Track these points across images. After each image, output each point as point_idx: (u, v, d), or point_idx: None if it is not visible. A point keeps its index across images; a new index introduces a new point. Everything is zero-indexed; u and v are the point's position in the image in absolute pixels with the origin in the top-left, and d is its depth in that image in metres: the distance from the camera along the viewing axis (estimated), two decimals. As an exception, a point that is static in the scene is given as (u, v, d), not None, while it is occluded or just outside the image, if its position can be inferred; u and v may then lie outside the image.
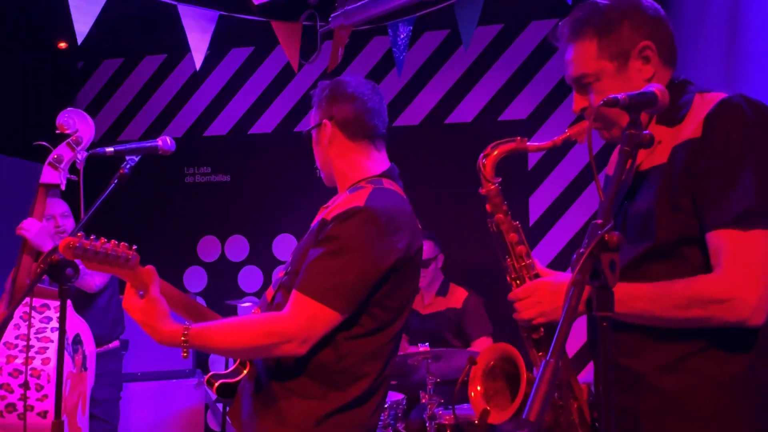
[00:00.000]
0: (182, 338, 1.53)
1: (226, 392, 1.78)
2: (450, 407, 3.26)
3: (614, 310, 1.22)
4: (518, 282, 1.54)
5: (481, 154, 1.57)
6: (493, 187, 1.57)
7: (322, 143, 1.82)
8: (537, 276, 1.53)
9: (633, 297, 1.30)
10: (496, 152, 1.57)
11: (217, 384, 1.77)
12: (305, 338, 1.56)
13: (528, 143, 1.55)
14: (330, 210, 1.68)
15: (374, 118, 1.83)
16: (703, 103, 1.35)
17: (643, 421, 1.37)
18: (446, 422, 3.13)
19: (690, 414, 1.33)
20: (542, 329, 1.49)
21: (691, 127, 1.33)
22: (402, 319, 1.73)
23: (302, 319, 1.56)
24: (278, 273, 1.86)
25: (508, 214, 1.57)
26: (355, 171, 1.79)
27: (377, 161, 1.82)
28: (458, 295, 3.90)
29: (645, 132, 1.13)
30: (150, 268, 1.56)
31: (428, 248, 3.91)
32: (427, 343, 3.24)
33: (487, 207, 1.57)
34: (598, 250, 0.99)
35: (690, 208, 1.31)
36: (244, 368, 1.78)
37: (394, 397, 3.44)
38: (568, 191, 4.52)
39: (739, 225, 1.25)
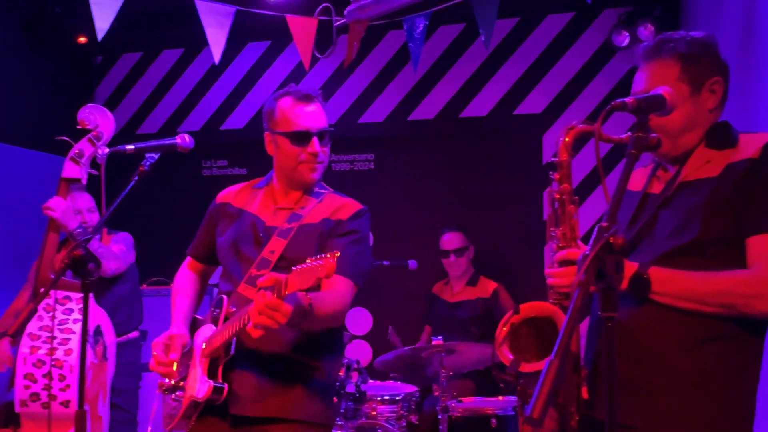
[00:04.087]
0: (308, 305, 1.70)
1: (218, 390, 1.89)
2: (461, 400, 3.29)
3: (653, 289, 1.43)
4: None
5: (566, 127, 1.65)
6: (566, 157, 1.64)
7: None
8: None
9: (677, 278, 1.45)
10: (577, 129, 1.64)
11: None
12: (347, 311, 1.98)
13: (602, 131, 1.59)
14: (328, 211, 2.01)
15: None
16: (752, 138, 1.56)
17: (654, 396, 1.48)
18: (459, 414, 3.16)
19: (700, 393, 1.46)
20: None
21: (749, 150, 1.52)
22: None
23: (348, 297, 1.92)
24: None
25: (572, 187, 1.65)
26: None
27: None
28: (488, 287, 4.09)
29: (652, 135, 1.15)
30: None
31: (459, 239, 4.11)
32: (441, 337, 3.27)
33: (555, 176, 1.65)
34: (603, 253, 1.01)
35: (733, 215, 1.48)
36: (221, 394, 1.87)
37: (408, 389, 3.48)
38: (579, 189, 4.52)
39: None
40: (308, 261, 1.57)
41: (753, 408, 1.51)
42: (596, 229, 1.06)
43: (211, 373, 1.87)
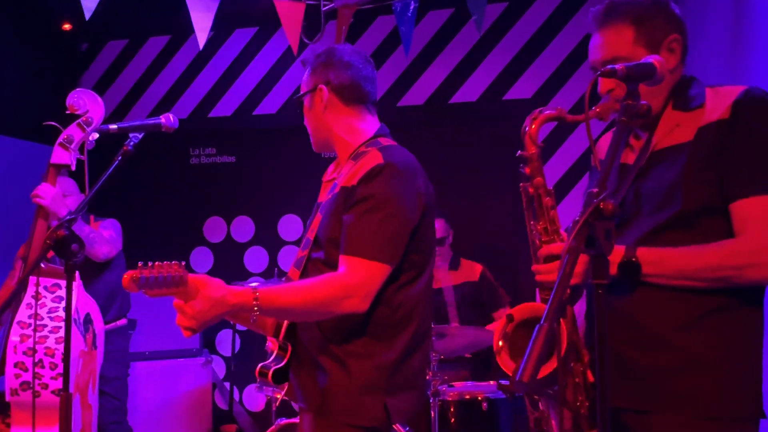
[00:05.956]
0: (253, 300, 1.56)
1: (282, 378, 1.80)
2: (452, 385, 3.29)
3: (644, 272, 1.39)
4: None
5: (529, 117, 1.58)
6: (535, 150, 1.57)
7: (317, 108, 1.89)
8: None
9: (666, 258, 1.41)
10: (541, 117, 1.57)
11: (271, 372, 1.77)
12: (366, 294, 1.63)
13: (566, 114, 1.56)
14: (347, 177, 1.75)
15: (368, 85, 1.91)
16: (719, 95, 1.48)
17: (662, 378, 1.46)
18: (450, 399, 3.16)
19: (707, 370, 1.43)
20: (568, 290, 1.47)
21: (718, 111, 1.45)
22: (432, 259, 1.82)
23: (359, 278, 1.63)
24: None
25: (545, 179, 1.59)
26: (352, 136, 1.87)
27: (370, 123, 1.91)
28: (474, 269, 3.98)
29: (642, 102, 1.14)
30: (192, 277, 1.55)
31: (441, 227, 4.00)
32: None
33: (526, 170, 1.58)
34: (593, 219, 1.00)
35: (714, 182, 1.42)
36: (286, 351, 1.79)
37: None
38: (568, 175, 4.52)
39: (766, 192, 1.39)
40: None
41: (759, 377, 1.48)
42: (586, 194, 1.05)
43: (278, 359, 1.82)
